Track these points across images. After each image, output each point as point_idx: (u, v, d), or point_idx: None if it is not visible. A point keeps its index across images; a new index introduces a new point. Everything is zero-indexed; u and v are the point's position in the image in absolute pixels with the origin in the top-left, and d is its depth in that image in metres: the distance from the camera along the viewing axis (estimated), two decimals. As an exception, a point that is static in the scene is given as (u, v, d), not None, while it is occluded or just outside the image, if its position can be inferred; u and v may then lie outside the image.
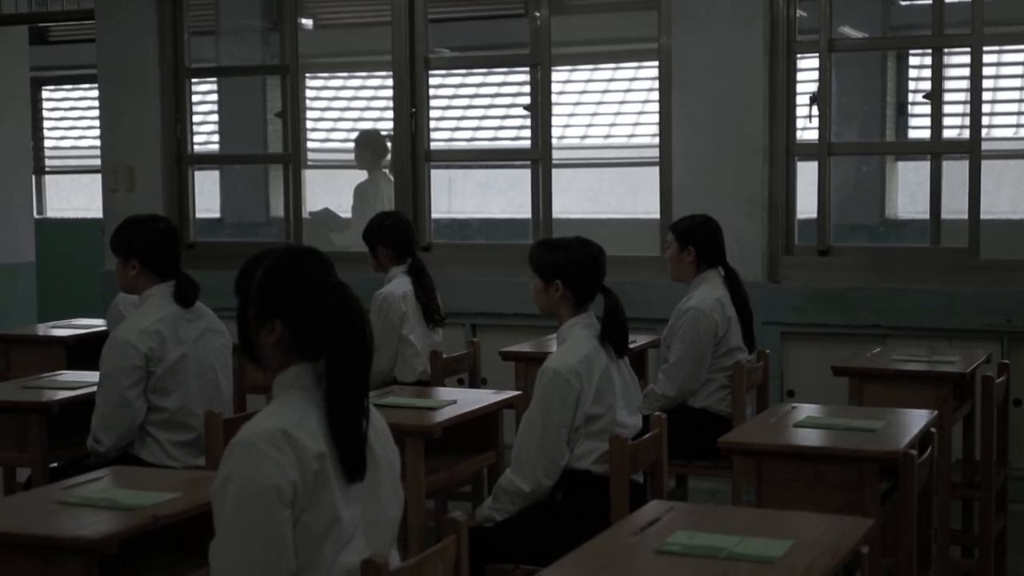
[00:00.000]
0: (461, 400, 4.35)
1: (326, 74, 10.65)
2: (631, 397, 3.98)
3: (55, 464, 4.52)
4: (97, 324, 6.39)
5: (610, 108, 10.53)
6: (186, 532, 3.12)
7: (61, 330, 6.28)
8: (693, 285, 5.15)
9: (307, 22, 10.02)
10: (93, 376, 4.75)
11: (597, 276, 3.97)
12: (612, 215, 10.07)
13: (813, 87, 6.56)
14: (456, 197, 10.37)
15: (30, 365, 5.84)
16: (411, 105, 7.11)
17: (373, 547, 2.64)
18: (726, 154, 6.39)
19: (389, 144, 7.57)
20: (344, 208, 8.08)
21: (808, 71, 6.64)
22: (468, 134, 10.34)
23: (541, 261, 3.98)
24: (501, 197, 10.55)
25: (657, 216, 6.73)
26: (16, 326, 7.36)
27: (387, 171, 7.65)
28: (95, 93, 11.75)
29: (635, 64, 10.49)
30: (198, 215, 7.82)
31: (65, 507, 3.02)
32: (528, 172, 7.03)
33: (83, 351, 6.00)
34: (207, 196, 9.05)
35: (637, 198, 10.53)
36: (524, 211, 7.16)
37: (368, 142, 7.94)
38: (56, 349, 5.98)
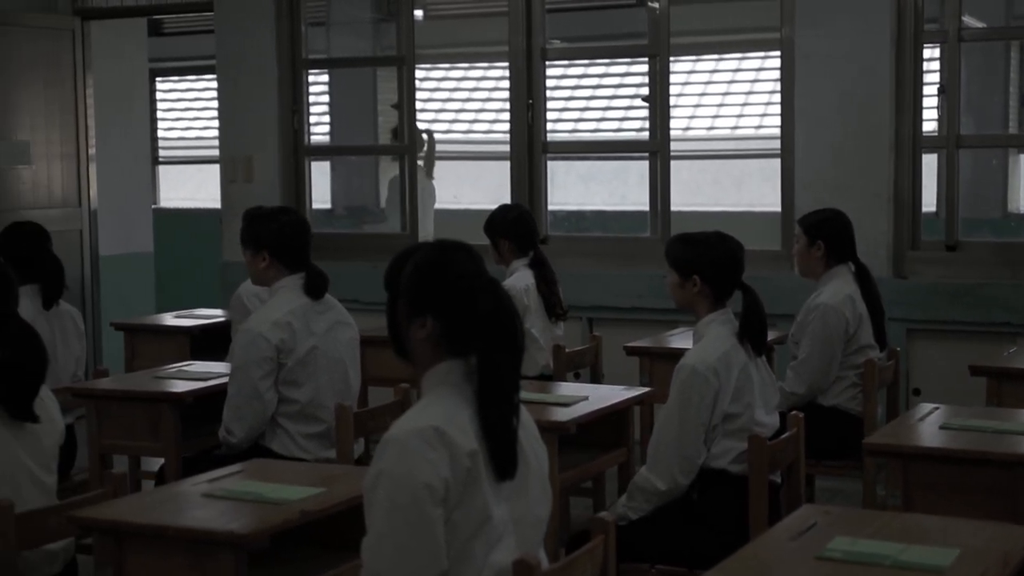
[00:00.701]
0: (593, 396, 4.30)
1: (446, 64, 10.66)
2: (769, 396, 3.90)
3: (186, 454, 4.56)
4: (218, 315, 6.43)
5: (713, 100, 10.42)
6: (330, 526, 3.11)
7: (185, 320, 6.33)
8: (822, 281, 5.04)
9: (417, 13, 10.04)
10: (222, 367, 4.79)
11: (736, 272, 3.90)
12: (715, 207, 9.96)
13: (934, 77, 6.42)
14: (558, 189, 10.35)
15: (155, 355, 5.90)
16: (528, 96, 7.06)
17: (523, 546, 2.61)
18: (851, 147, 6.26)
19: (426, 137, 7.67)
20: (458, 199, 8.07)
21: (929, 61, 6.50)
22: (569, 125, 10.30)
23: (679, 256, 3.92)
24: (604, 188, 10.50)
25: (768, 208, 6.61)
26: (135, 315, 7.45)
27: (421, 163, 7.73)
28: (204, 84, 11.90)
29: (739, 55, 10.39)
30: (313, 208, 7.86)
31: (212, 500, 3.03)
32: (628, 164, 6.94)
33: (207, 341, 6.04)
34: (318, 186, 9.10)
35: (740, 191, 10.42)
36: (628, 203, 7.08)
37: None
38: (181, 339, 6.03)
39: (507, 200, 6.83)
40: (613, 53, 9.21)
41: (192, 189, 11.73)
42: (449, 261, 2.64)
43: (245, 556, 2.80)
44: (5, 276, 3.34)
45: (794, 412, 3.82)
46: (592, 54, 9.63)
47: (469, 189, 10.28)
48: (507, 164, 7.18)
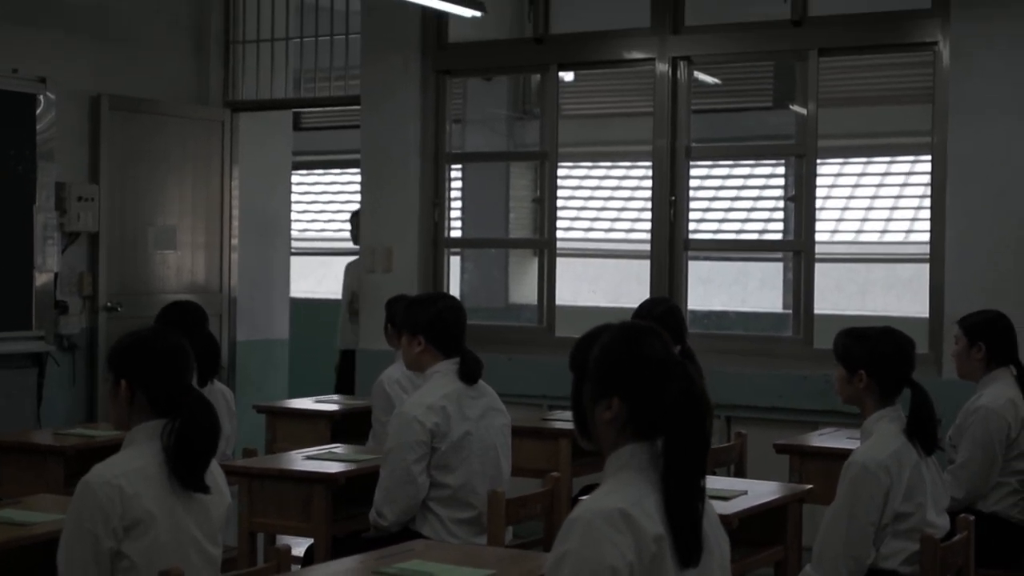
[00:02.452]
0: (751, 491, 4.22)
1: (569, 163, 10.74)
2: (940, 496, 3.79)
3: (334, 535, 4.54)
4: (357, 402, 6.47)
5: (860, 203, 10.32)
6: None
7: (325, 405, 6.37)
8: (982, 383, 4.92)
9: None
10: (370, 450, 4.79)
11: (904, 368, 3.82)
12: (857, 312, 9.80)
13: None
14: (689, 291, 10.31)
15: (296, 438, 5.93)
16: (671, 194, 7.06)
17: (701, 635, 2.53)
18: (1006, 250, 6.13)
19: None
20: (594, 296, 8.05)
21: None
22: (711, 225, 10.26)
23: (846, 350, 3.85)
24: (723, 291, 10.41)
25: (908, 315, 6.49)
26: (270, 400, 7.52)
27: None
28: (331, 178, 12.11)
29: (887, 159, 10.30)
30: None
31: (383, 578, 3.01)
32: (749, 268, 6.87)
33: (346, 426, 6.07)
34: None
35: (865, 295, 10.27)
36: (747, 307, 6.98)
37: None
38: (322, 423, 6.06)
39: (633, 297, 6.80)
40: (760, 153, 9.17)
41: (314, 281, 11.89)
42: (638, 344, 2.60)
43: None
44: (183, 349, 3.38)
45: (963, 515, 3.70)
46: (738, 153, 9.60)
47: (584, 288, 10.30)
48: (627, 263, 7.16)
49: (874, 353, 3.80)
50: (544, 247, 7.54)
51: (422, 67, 7.60)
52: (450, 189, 7.85)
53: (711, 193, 10.40)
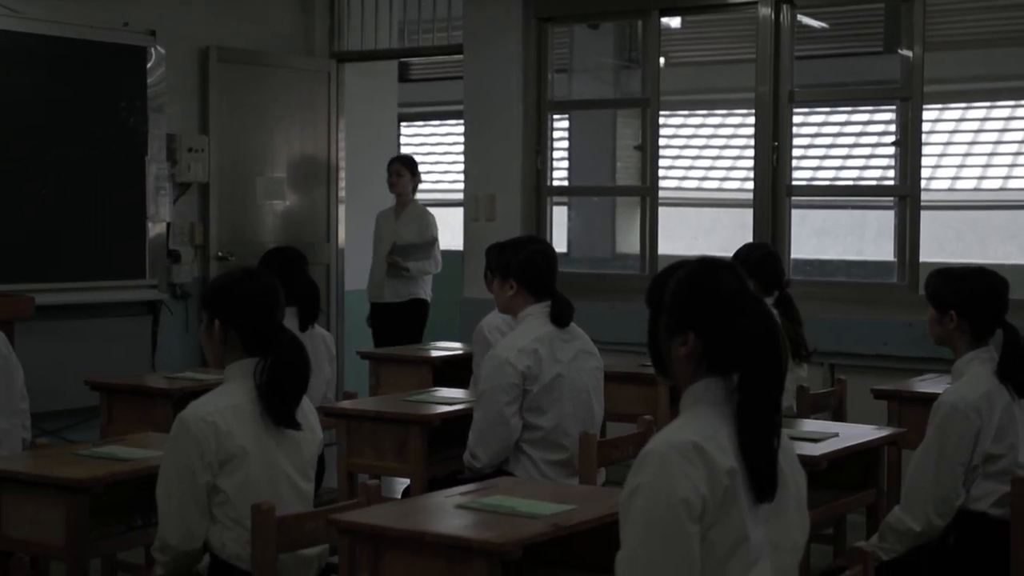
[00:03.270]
0: (843, 433, 4.20)
1: (685, 111, 10.68)
2: (1032, 438, 3.74)
3: (431, 476, 4.63)
4: (458, 348, 6.55)
5: (959, 149, 10.11)
6: (580, 546, 3.11)
7: (428, 351, 6.46)
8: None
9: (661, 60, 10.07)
10: (467, 393, 4.87)
11: (996, 308, 3.77)
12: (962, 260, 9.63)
13: None
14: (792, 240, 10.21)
15: (398, 383, 6.03)
16: (773, 139, 7.00)
17: (778, 571, 2.55)
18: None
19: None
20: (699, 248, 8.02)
21: None
22: (808, 173, 10.13)
23: (936, 290, 3.81)
24: (839, 242, 10.28)
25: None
26: (380, 346, 7.64)
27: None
28: (447, 129, 12.17)
29: (987, 104, 10.06)
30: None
31: (465, 511, 3.07)
32: (866, 217, 6.77)
33: (448, 372, 6.15)
34: (555, 231, 9.18)
35: (985, 244, 10.07)
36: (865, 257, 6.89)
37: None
38: (424, 369, 6.15)
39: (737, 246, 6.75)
40: (865, 96, 9.01)
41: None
42: (713, 278, 2.61)
43: (499, 565, 2.82)
44: (274, 290, 3.47)
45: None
46: (841, 97, 9.45)
47: (691, 237, 10.25)
48: (735, 212, 7.11)
49: (964, 293, 3.75)
50: (646, 195, 7.53)
51: (524, 15, 7.61)
52: (552, 137, 7.87)
53: (828, 140, 10.26)
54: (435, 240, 7.98)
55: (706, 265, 2.66)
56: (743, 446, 2.51)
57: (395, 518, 3.04)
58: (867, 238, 10.45)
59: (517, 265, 4.47)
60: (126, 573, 4.60)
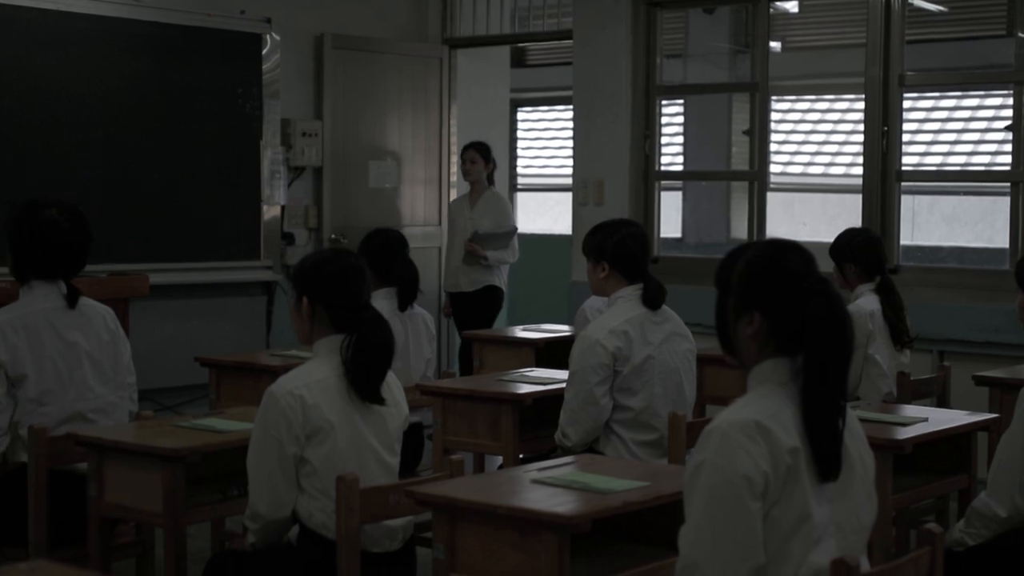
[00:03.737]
0: (933, 418, 4.18)
1: (792, 96, 10.58)
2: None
3: (524, 455, 4.70)
4: (563, 329, 6.60)
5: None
6: (653, 522, 3.15)
7: (531, 333, 6.53)
8: None
9: (775, 45, 9.99)
10: (562, 373, 4.92)
11: None
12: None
13: None
14: (919, 229, 10.04)
15: (501, 364, 6.10)
16: (883, 124, 6.92)
17: (844, 550, 2.57)
18: None
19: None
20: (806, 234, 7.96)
21: None
22: (914, 159, 9.96)
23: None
24: (968, 230, 10.09)
25: None
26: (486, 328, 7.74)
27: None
28: (564, 115, 12.22)
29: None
30: (661, 235, 7.94)
31: (540, 486, 3.14)
32: (996, 205, 6.66)
33: (551, 353, 6.21)
34: (670, 217, 9.17)
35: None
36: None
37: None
38: (526, 350, 6.22)
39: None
40: (978, 80, 8.85)
41: (551, 218, 12.05)
42: (780, 259, 2.64)
43: (568, 538, 2.88)
44: (359, 268, 3.57)
45: None
46: (955, 81, 9.29)
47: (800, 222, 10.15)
48: (846, 197, 7.04)
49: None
50: (754, 180, 7.50)
51: (633, 0, 7.63)
52: (661, 122, 7.88)
53: (936, 125, 10.10)
54: (515, 229, 7.89)
55: (774, 246, 2.69)
56: (807, 426, 2.54)
57: (470, 491, 3.11)
58: (998, 226, 10.26)
59: (610, 248, 4.51)
60: (231, 540, 4.75)
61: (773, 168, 7.60)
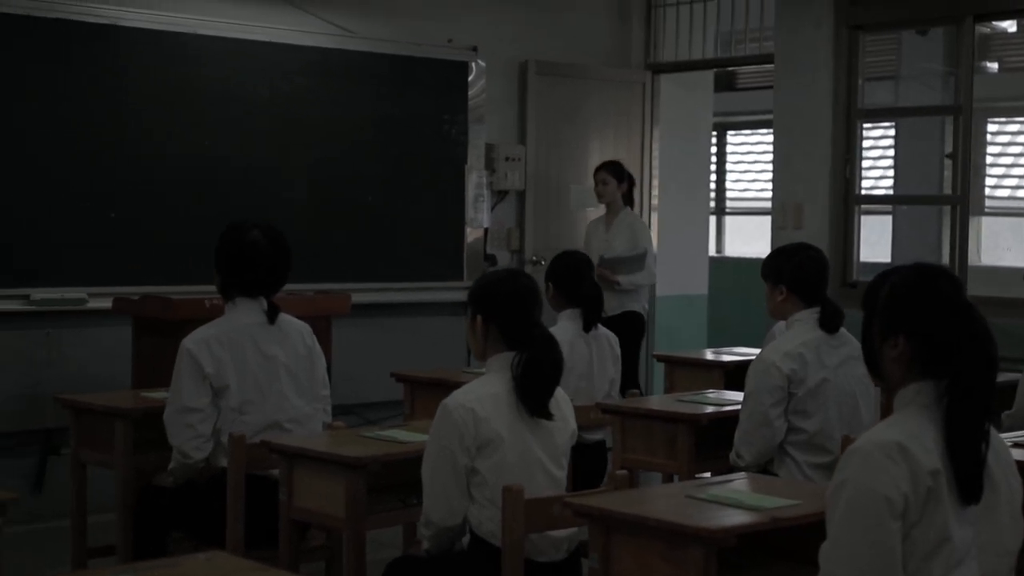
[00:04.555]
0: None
1: (1003, 118, 10.35)
2: None
3: (699, 474, 4.79)
4: (754, 352, 6.64)
5: None
6: (803, 540, 3.21)
7: (723, 355, 6.60)
8: None
9: (992, 65, 9.80)
10: (741, 395, 4.99)
11: None
12: None
13: None
14: None
15: (690, 385, 6.19)
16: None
17: (987, 572, 2.60)
18: None
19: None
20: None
21: None
22: None
23: None
24: None
25: None
26: (683, 350, 7.83)
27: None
28: (770, 138, 12.22)
29: None
30: (864, 259, 7.89)
31: (693, 501, 3.24)
32: None
33: (740, 376, 6.26)
34: (879, 240, 9.09)
35: None
36: None
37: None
38: (716, 372, 6.29)
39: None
40: None
41: (766, 241, 12.00)
42: (926, 284, 2.69)
43: (715, 552, 2.98)
44: (531, 288, 3.74)
45: None
46: None
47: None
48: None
49: None
50: (956, 204, 7.40)
51: (835, 23, 7.65)
52: (862, 145, 7.85)
53: None
54: (647, 252, 7.53)
55: (921, 271, 2.74)
56: (950, 448, 2.58)
57: (624, 503, 3.24)
58: None
59: (788, 271, 4.59)
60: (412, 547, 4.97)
61: (999, 192, 7.47)
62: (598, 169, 7.74)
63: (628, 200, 7.68)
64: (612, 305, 7.28)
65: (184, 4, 7.03)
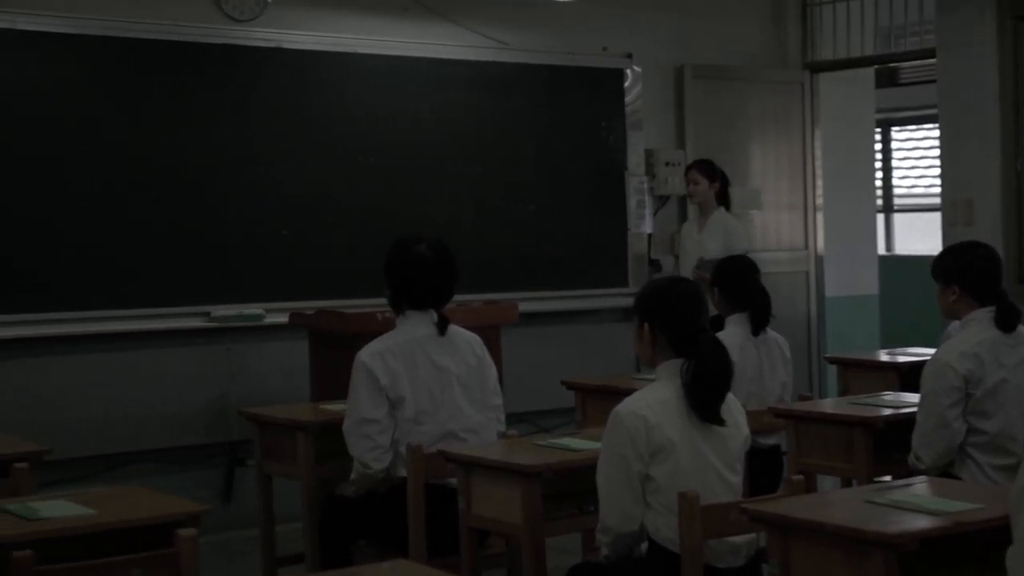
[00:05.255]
0: None
1: None
2: None
3: (877, 478, 4.73)
4: (928, 353, 6.52)
5: None
6: (989, 545, 3.16)
7: (897, 356, 6.49)
8: None
9: None
10: (916, 397, 4.92)
11: None
12: None
13: None
14: None
15: (865, 387, 6.09)
16: None
17: None
18: None
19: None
20: None
21: None
22: None
23: None
24: None
25: None
26: (856, 351, 7.73)
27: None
28: (936, 132, 11.96)
29: None
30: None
31: (873, 506, 3.21)
32: None
33: (916, 377, 6.16)
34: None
35: None
36: None
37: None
38: (890, 374, 6.19)
39: None
40: None
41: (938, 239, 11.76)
42: None
43: (896, 557, 2.95)
44: (696, 295, 3.74)
45: None
46: None
47: None
48: None
49: None
50: None
51: (997, 15, 7.47)
52: (1034, 136, 7.65)
53: None
54: (745, 253, 6.74)
55: None
56: None
57: (802, 509, 3.23)
58: None
59: (959, 270, 4.51)
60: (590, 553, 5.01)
61: None
62: (688, 168, 7.46)
63: (723, 200, 7.35)
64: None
65: (344, 24, 7.20)
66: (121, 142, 6.49)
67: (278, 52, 6.90)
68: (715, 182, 7.29)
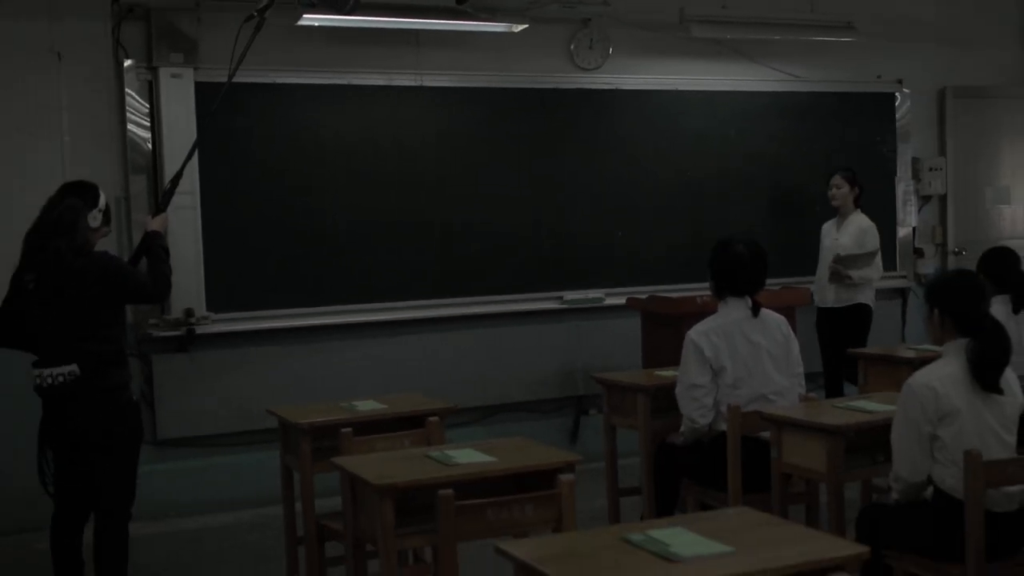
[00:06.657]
0: None
1: None
2: None
3: None
4: None
5: None
6: None
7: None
8: None
9: None
10: None
11: None
12: None
13: None
14: None
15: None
16: None
17: None
18: None
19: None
20: None
21: None
22: None
23: None
24: None
25: None
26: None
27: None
28: None
29: None
30: None
31: None
32: None
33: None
34: None
35: None
36: None
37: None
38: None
39: None
40: None
41: None
42: None
43: None
44: (978, 285, 3.56)
45: None
46: None
47: None
48: None
49: None
50: None
51: None
52: None
53: None
54: (876, 251, 6.66)
55: None
56: None
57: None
58: None
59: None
60: (878, 494, 4.82)
61: None
62: (833, 174, 6.83)
63: (858, 203, 6.80)
64: (842, 297, 6.64)
65: (668, 67, 7.17)
66: (500, 169, 6.68)
67: (618, 93, 6.94)
68: (855, 187, 6.77)
